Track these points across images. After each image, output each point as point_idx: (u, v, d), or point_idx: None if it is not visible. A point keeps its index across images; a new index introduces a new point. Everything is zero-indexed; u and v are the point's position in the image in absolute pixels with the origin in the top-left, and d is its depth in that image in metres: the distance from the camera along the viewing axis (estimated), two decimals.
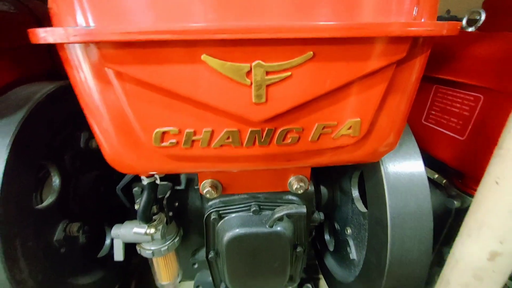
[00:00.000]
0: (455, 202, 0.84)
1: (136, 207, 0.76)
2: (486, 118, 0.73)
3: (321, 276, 1.15)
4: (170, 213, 0.82)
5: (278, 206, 0.71)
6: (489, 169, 0.47)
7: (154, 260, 0.82)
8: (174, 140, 0.48)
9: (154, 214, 0.76)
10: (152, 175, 0.69)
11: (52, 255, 0.76)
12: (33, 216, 0.70)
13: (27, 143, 0.67)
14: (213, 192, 0.70)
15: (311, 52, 0.40)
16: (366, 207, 0.81)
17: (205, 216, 0.74)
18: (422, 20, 0.42)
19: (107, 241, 1.01)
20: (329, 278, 1.03)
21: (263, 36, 0.37)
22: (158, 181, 0.71)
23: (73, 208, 0.87)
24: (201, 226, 0.77)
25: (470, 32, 0.82)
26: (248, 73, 0.41)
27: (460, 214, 0.85)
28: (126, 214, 0.88)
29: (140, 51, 0.38)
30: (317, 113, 0.48)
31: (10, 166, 0.62)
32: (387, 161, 0.69)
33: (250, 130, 0.48)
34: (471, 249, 0.49)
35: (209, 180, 0.71)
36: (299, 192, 0.72)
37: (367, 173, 0.76)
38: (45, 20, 0.94)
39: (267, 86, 0.42)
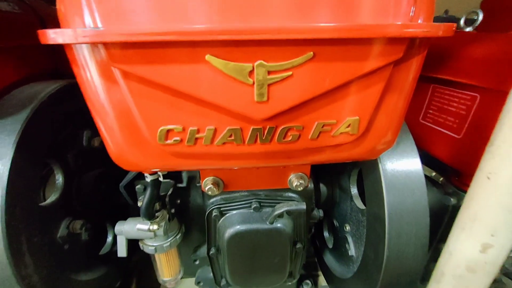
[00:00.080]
0: (452, 199, 0.86)
1: (139, 204, 0.77)
2: (482, 117, 0.75)
3: (320, 272, 1.17)
4: (172, 210, 0.83)
5: (278, 203, 0.72)
6: (481, 165, 0.49)
7: (157, 256, 0.83)
8: (178, 138, 0.49)
9: (157, 211, 0.77)
10: (156, 173, 0.71)
11: (56, 251, 0.77)
12: (38, 213, 0.71)
13: (32, 141, 0.68)
14: (214, 189, 0.71)
15: (311, 53, 0.42)
16: (364, 204, 0.82)
17: (207, 213, 0.75)
18: (419, 21, 0.43)
19: (109, 239, 1.02)
20: (328, 274, 1.05)
21: (265, 37, 0.38)
22: (161, 179, 0.72)
23: (76, 205, 0.88)
24: (202, 224, 0.78)
25: (468, 32, 0.84)
26: (251, 72, 0.42)
27: (456, 211, 0.86)
28: (127, 212, 0.90)
29: (147, 51, 0.40)
30: (317, 112, 0.49)
31: (16, 163, 0.64)
32: (385, 159, 0.71)
33: (252, 128, 0.49)
34: (464, 242, 0.51)
35: (211, 177, 0.72)
36: (299, 189, 0.74)
37: (366, 171, 0.78)
38: (49, 20, 0.94)
39: (269, 85, 0.44)
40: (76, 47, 0.42)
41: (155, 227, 0.75)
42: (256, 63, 0.42)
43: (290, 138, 0.51)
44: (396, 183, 0.69)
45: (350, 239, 0.91)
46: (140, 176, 0.83)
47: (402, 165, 0.70)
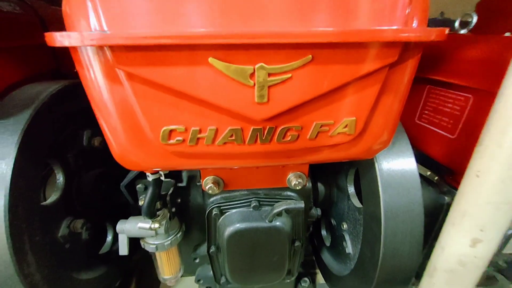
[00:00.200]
0: (446, 198, 0.87)
1: (140, 203, 0.78)
2: (475, 117, 0.77)
3: (318, 270, 1.18)
4: (173, 209, 0.84)
5: (277, 201, 0.74)
6: (470, 163, 0.51)
7: (157, 254, 0.84)
8: (180, 138, 0.50)
9: (158, 210, 0.78)
10: (157, 172, 0.72)
11: (58, 250, 0.78)
12: (39, 212, 0.71)
13: (33, 141, 0.69)
14: (215, 188, 0.73)
15: (310, 56, 0.43)
16: (361, 202, 0.84)
17: (207, 211, 0.76)
18: (414, 24, 0.45)
19: (109, 238, 1.03)
20: (326, 272, 1.06)
21: (266, 41, 0.40)
22: (162, 178, 0.73)
23: (77, 205, 0.88)
24: (202, 223, 0.79)
25: (462, 34, 0.86)
26: (252, 74, 0.44)
27: None
28: (127, 212, 0.90)
29: (151, 54, 0.41)
30: (315, 113, 0.50)
31: (18, 163, 0.64)
32: (381, 159, 0.72)
33: (252, 128, 0.50)
34: (455, 237, 0.53)
35: (211, 176, 0.73)
36: (297, 188, 0.75)
37: (362, 170, 0.79)
38: (49, 21, 0.95)
39: (269, 87, 0.45)
40: (81, 49, 0.43)
41: (156, 225, 0.76)
42: (257, 66, 0.43)
43: (289, 138, 0.52)
44: (392, 182, 0.71)
45: (347, 237, 0.93)
46: (140, 175, 0.84)
47: (398, 165, 0.72)
